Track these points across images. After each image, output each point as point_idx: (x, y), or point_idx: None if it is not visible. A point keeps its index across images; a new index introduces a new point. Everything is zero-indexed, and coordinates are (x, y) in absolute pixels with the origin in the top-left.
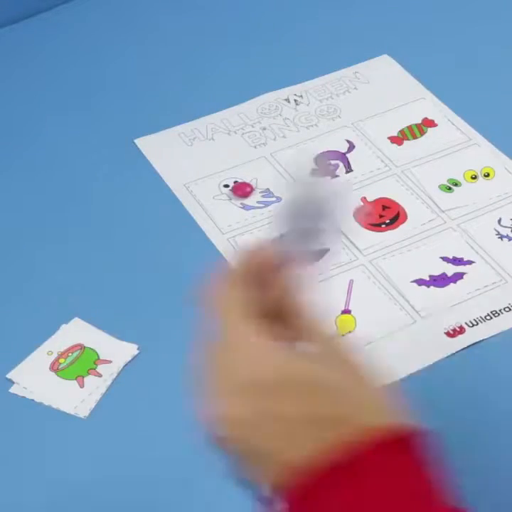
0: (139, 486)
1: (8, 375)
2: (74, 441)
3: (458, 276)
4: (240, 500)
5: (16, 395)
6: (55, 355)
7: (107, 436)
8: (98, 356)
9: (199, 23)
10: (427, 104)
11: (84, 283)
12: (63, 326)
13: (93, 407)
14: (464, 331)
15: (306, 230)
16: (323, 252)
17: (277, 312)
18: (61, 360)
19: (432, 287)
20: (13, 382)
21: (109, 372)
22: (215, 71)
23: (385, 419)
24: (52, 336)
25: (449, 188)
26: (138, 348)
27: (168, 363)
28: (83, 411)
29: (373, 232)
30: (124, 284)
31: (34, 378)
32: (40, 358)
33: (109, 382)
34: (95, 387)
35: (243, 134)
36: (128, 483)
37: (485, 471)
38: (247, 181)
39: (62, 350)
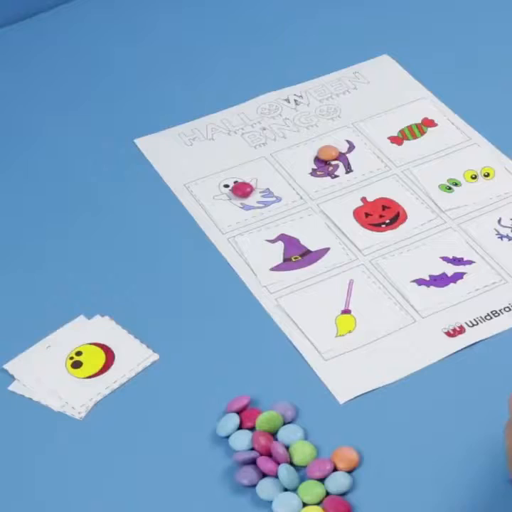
0: (131, 489)
1: (5, 366)
2: (68, 441)
3: (458, 276)
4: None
5: (15, 392)
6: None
7: (99, 441)
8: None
9: (199, 23)
10: (427, 104)
11: (85, 282)
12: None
13: (90, 408)
14: (464, 331)
15: None
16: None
17: None
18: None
19: (431, 287)
20: (11, 377)
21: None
22: (215, 71)
23: None
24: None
25: (449, 188)
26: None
27: (167, 368)
28: (78, 412)
29: (373, 232)
30: (124, 284)
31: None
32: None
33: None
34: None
35: (243, 134)
36: (120, 487)
37: (481, 470)
38: (247, 181)
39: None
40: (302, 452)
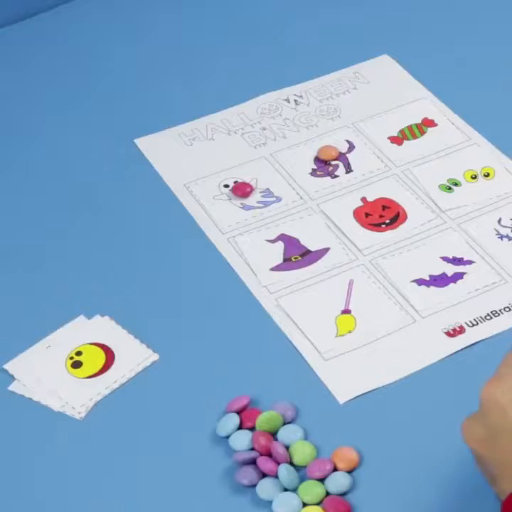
0: (131, 490)
1: (5, 366)
2: (68, 441)
3: (458, 276)
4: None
5: (15, 392)
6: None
7: (99, 441)
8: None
9: (199, 23)
10: (427, 104)
11: (85, 282)
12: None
13: (90, 408)
14: (464, 330)
15: None
16: None
17: None
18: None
19: (431, 287)
20: (11, 377)
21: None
22: (215, 71)
23: None
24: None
25: (449, 188)
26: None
27: (167, 368)
28: (78, 412)
29: (373, 232)
30: (124, 284)
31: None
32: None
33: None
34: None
35: (243, 134)
36: (120, 487)
37: None
38: (247, 181)
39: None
40: (302, 452)
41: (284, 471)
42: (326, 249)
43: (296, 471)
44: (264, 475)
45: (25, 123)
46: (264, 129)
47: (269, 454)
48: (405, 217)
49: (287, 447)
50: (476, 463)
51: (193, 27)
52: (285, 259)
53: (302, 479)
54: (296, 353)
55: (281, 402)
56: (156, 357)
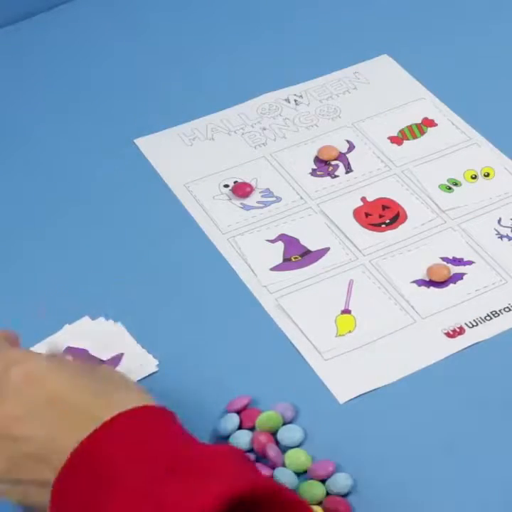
0: None
1: None
2: None
3: (458, 277)
4: None
5: None
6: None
7: None
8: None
9: (199, 23)
10: (427, 104)
11: (84, 284)
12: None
13: None
14: (464, 331)
15: None
16: None
17: None
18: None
19: (431, 287)
20: None
21: None
22: (215, 71)
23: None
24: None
25: (449, 188)
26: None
27: (168, 368)
28: None
29: (373, 232)
30: (123, 285)
31: None
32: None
33: None
34: None
35: (243, 134)
36: None
37: (481, 470)
38: (247, 181)
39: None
40: (296, 460)
41: (280, 475)
42: (326, 249)
43: (292, 473)
44: None
45: (25, 123)
46: (264, 129)
47: None
48: (405, 217)
49: (287, 448)
50: None
51: (193, 27)
52: (285, 259)
53: (300, 480)
54: (296, 353)
55: (281, 402)
56: (155, 361)
